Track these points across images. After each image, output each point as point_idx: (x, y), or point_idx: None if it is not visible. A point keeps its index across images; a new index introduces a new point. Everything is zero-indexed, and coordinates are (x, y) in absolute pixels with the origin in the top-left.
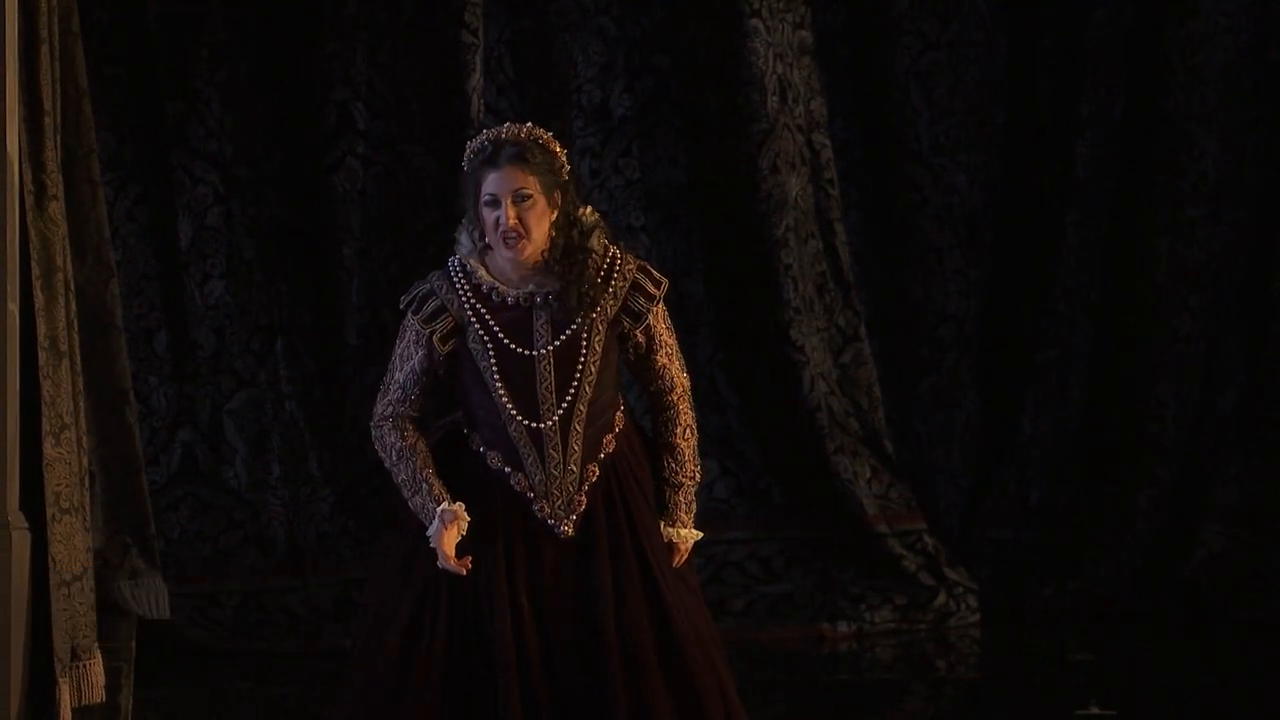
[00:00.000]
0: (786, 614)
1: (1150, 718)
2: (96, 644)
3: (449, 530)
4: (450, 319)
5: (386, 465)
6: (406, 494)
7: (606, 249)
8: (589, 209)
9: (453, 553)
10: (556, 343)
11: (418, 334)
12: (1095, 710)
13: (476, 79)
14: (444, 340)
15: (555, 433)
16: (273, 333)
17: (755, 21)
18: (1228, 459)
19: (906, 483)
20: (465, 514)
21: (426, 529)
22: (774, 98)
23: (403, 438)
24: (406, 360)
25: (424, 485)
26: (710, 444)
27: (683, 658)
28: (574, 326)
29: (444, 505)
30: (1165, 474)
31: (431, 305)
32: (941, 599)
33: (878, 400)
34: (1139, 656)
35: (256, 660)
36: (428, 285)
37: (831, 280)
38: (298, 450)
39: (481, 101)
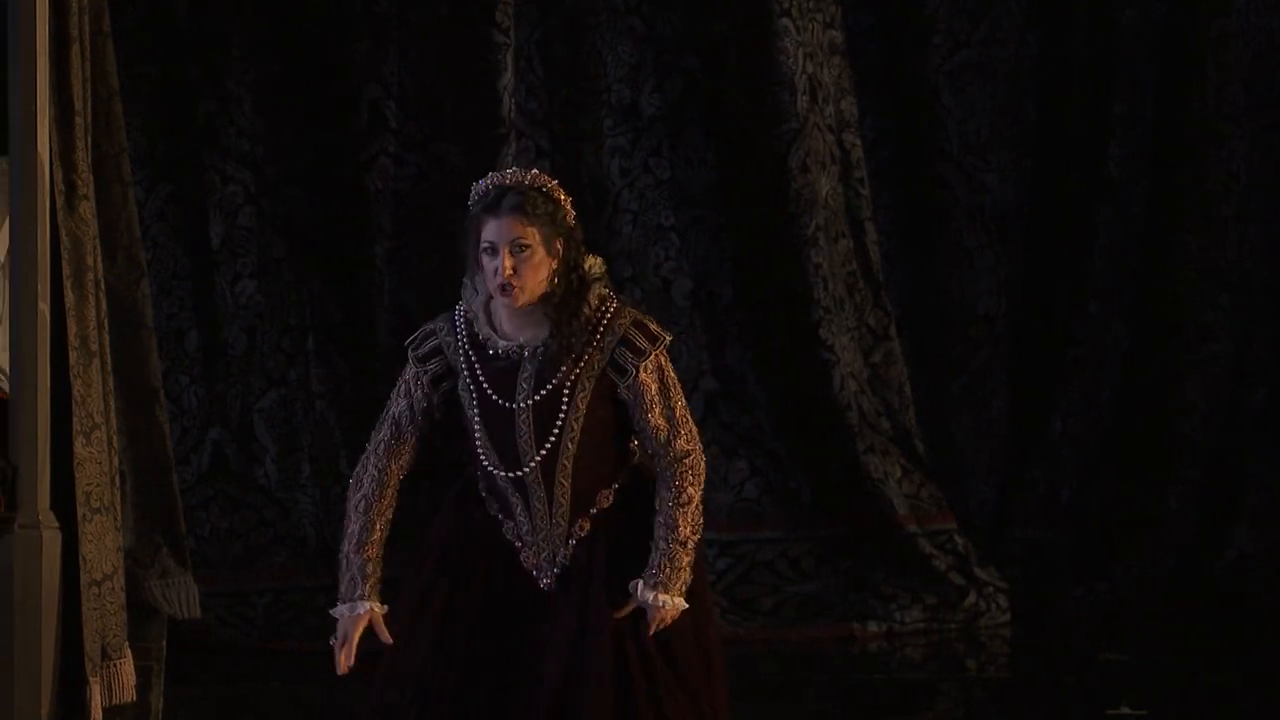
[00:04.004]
0: (816, 613)
1: (1181, 718)
2: (127, 643)
3: (353, 631)
4: (444, 361)
5: (350, 499)
6: (342, 550)
7: (602, 300)
8: (598, 261)
9: (350, 652)
10: (537, 397)
11: (415, 374)
12: (1126, 710)
13: (508, 78)
14: (434, 383)
15: (539, 485)
16: (304, 332)
17: (785, 21)
18: (1258, 458)
19: (937, 482)
20: (379, 614)
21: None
22: (804, 97)
23: (376, 485)
24: (401, 397)
25: (353, 567)
26: (740, 443)
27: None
28: (555, 380)
29: (352, 607)
30: (1195, 473)
31: (429, 345)
32: (972, 599)
33: (909, 399)
34: (1170, 656)
35: (287, 659)
36: (432, 326)
37: (862, 279)
38: (328, 449)
39: (513, 101)
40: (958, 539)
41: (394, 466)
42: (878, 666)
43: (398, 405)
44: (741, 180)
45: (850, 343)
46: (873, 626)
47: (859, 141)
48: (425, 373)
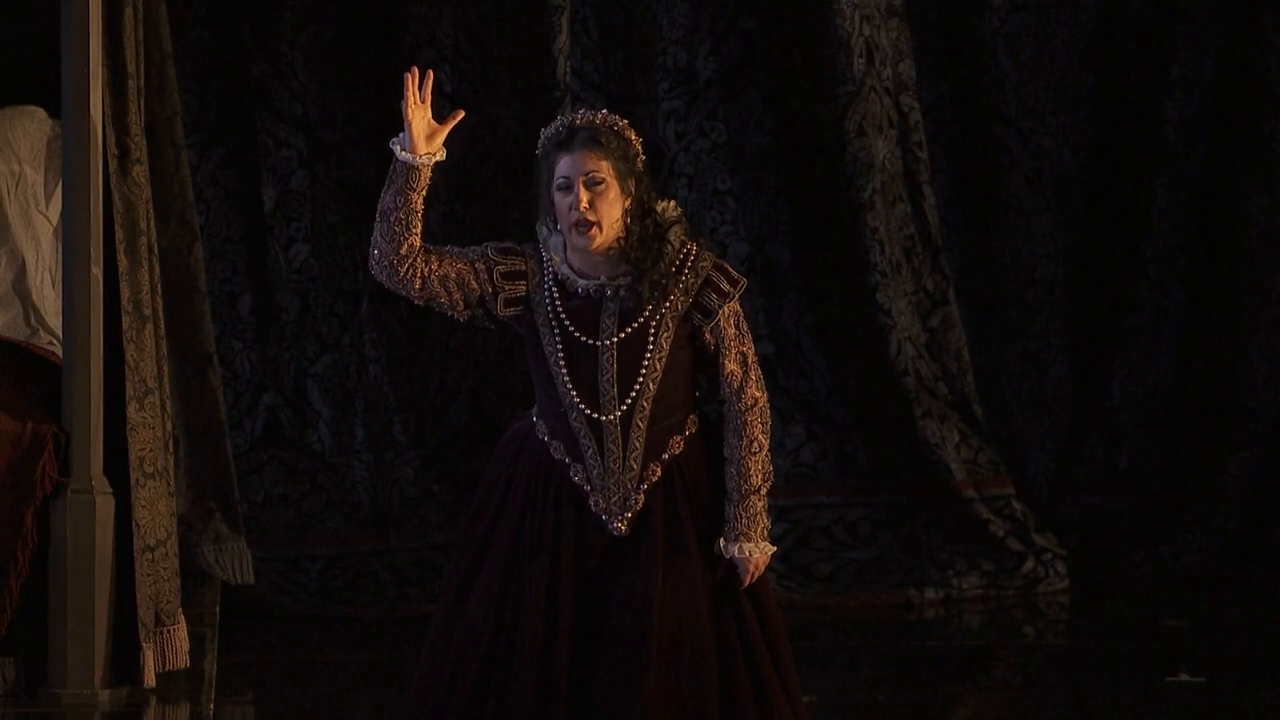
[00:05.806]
0: (873, 579)
1: (1240, 685)
2: (180, 609)
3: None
4: (524, 288)
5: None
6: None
7: (684, 244)
8: (672, 203)
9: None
10: (622, 334)
11: (487, 262)
12: (1185, 677)
13: (563, 40)
14: (508, 303)
15: (616, 427)
16: (357, 296)
17: None
18: None
19: (995, 447)
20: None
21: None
22: (860, 60)
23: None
24: (463, 258)
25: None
26: (797, 408)
27: (733, 668)
28: (641, 319)
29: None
30: (1256, 439)
31: (513, 264)
32: (1030, 565)
33: (967, 364)
34: (1229, 623)
35: (340, 625)
36: (519, 248)
37: (920, 243)
38: (382, 414)
39: (568, 64)
40: (1015, 504)
41: (426, 255)
42: (935, 633)
43: (460, 252)
44: (798, 144)
45: (908, 307)
46: (930, 593)
47: (917, 104)
48: (501, 290)
